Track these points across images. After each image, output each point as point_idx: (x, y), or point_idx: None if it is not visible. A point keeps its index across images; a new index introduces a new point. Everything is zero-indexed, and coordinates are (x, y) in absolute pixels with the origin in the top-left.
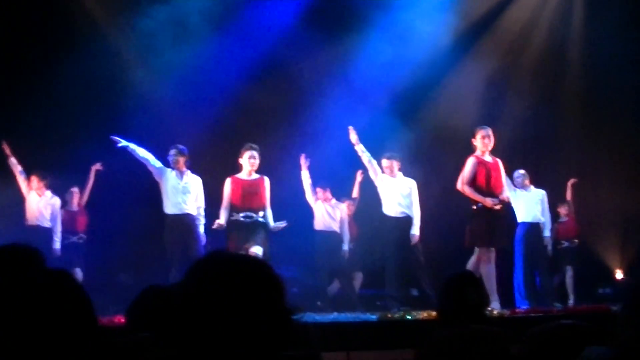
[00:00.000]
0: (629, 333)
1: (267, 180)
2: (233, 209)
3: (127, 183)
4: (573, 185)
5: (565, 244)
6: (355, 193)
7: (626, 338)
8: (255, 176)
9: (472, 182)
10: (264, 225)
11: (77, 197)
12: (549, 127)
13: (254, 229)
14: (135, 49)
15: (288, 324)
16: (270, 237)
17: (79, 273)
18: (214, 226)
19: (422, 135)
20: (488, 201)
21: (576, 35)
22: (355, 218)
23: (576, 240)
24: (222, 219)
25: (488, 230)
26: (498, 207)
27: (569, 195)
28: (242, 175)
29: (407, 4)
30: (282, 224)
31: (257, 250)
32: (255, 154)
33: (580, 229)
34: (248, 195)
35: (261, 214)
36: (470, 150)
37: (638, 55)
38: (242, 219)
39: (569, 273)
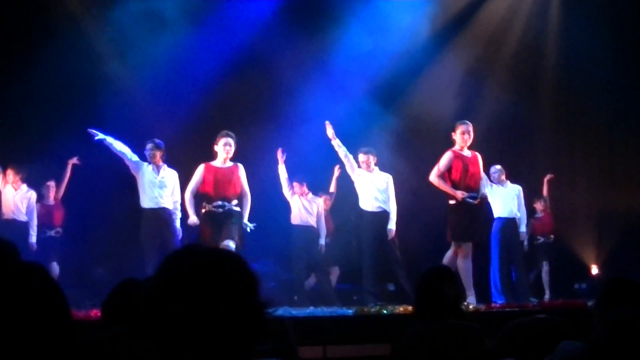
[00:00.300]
0: (602, 328)
1: (241, 168)
2: (205, 198)
3: (104, 177)
4: (549, 181)
5: (541, 239)
6: (332, 188)
7: (599, 333)
8: (230, 164)
9: (448, 176)
10: (238, 215)
11: (54, 191)
12: (525, 122)
13: (227, 219)
14: (112, 42)
15: (262, 317)
16: (247, 232)
17: (55, 267)
18: (189, 222)
19: (399, 130)
20: (458, 194)
21: (553, 31)
22: (332, 213)
23: (552, 236)
24: (192, 216)
25: (466, 225)
26: (476, 202)
27: (545, 191)
28: (217, 162)
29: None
30: (250, 226)
31: (229, 244)
32: (230, 141)
33: (556, 224)
34: (222, 184)
35: (235, 202)
36: (449, 144)
37: (614, 52)
38: (213, 208)
39: (545, 268)
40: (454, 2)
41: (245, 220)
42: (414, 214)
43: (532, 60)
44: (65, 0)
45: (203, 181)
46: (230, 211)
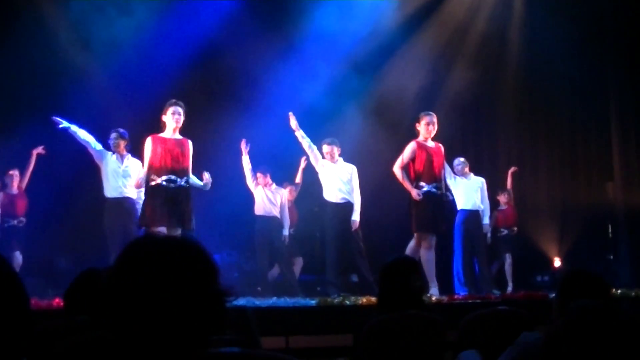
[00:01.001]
0: (562, 319)
1: (191, 143)
2: (154, 170)
3: (67, 166)
4: (513, 174)
5: (504, 231)
6: (298, 178)
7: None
8: (179, 136)
9: (412, 166)
10: (188, 193)
11: (17, 180)
12: (488, 114)
13: (177, 198)
14: (75, 30)
15: (221, 306)
16: (210, 222)
17: (18, 257)
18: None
19: (363, 120)
20: (413, 192)
21: (516, 24)
22: (297, 203)
23: (515, 229)
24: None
25: (429, 216)
26: (418, 198)
27: (509, 183)
28: (166, 134)
29: None
30: (207, 177)
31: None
32: (180, 110)
33: (520, 217)
34: (172, 156)
35: (185, 179)
36: (413, 134)
37: (576, 44)
38: (164, 183)
39: (508, 260)
40: None
41: (200, 182)
42: (378, 205)
43: (495, 52)
44: None
45: (152, 153)
46: (182, 189)
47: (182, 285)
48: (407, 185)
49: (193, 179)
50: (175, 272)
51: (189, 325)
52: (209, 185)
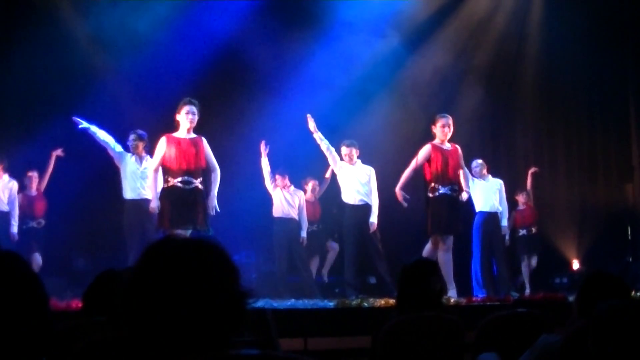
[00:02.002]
0: (581, 322)
1: (205, 141)
2: (169, 172)
3: (86, 167)
4: (533, 174)
5: (523, 232)
6: (328, 173)
7: (578, 327)
8: (193, 135)
9: (427, 169)
10: (203, 194)
11: (36, 182)
12: (506, 117)
13: (192, 199)
14: (93, 31)
15: (241, 307)
16: (228, 223)
17: (37, 258)
18: (150, 207)
19: (383, 124)
20: (399, 195)
21: (534, 27)
22: (320, 200)
23: (533, 229)
24: (155, 200)
25: (445, 218)
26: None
27: (529, 184)
28: (180, 133)
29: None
30: (216, 208)
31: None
32: (194, 109)
33: (539, 217)
34: (186, 156)
35: (200, 179)
36: (430, 138)
37: (595, 48)
38: (180, 184)
39: (525, 262)
40: (433, 2)
41: (214, 198)
42: (396, 207)
43: (513, 55)
44: None
45: (166, 154)
46: (197, 190)
47: (204, 287)
48: (402, 180)
49: (213, 180)
50: (196, 274)
51: (210, 327)
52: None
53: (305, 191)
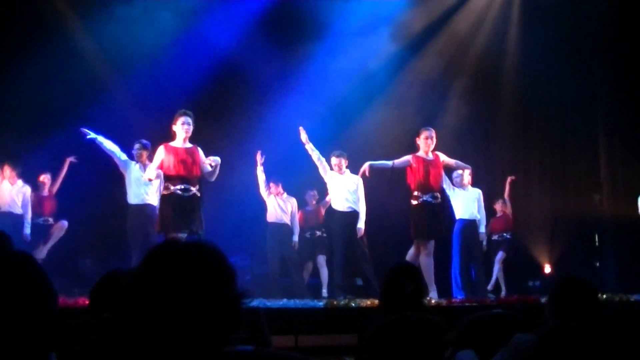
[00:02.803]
0: (553, 322)
1: (200, 150)
2: (168, 179)
3: (94, 174)
4: (511, 183)
5: (496, 236)
6: (328, 198)
7: (550, 327)
8: (189, 145)
9: (409, 177)
10: (199, 201)
11: (48, 184)
12: (485, 131)
13: (190, 206)
14: (100, 44)
15: (238, 308)
16: (224, 227)
17: (42, 252)
18: (143, 177)
19: (370, 136)
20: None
21: (512, 46)
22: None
23: (505, 234)
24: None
25: (427, 224)
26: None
27: (507, 192)
28: (176, 143)
29: (358, 12)
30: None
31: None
32: (189, 120)
33: (514, 225)
34: (184, 165)
35: (197, 187)
36: (414, 149)
37: (568, 66)
38: (179, 191)
39: (500, 265)
40: (421, 17)
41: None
42: (382, 214)
43: (492, 72)
44: (57, 4)
45: (164, 162)
46: (195, 197)
47: (203, 288)
48: (376, 163)
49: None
50: (196, 276)
51: (208, 326)
52: (216, 170)
53: (306, 202)
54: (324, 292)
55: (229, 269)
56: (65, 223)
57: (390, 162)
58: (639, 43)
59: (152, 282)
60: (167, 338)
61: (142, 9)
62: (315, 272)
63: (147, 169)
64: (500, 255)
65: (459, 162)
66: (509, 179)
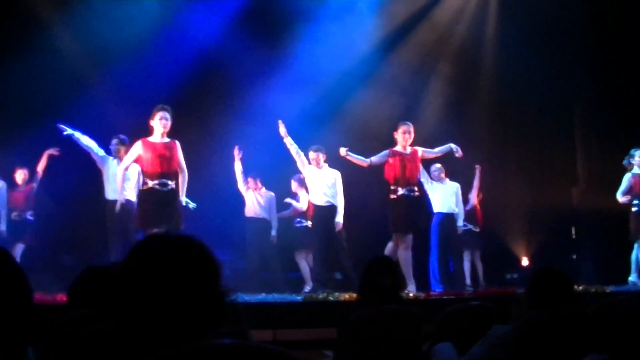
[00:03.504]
0: (529, 314)
1: (178, 144)
2: (147, 175)
3: (72, 170)
4: (480, 171)
5: (470, 227)
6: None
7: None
8: (167, 139)
9: (387, 172)
10: (177, 195)
11: (25, 178)
12: (463, 125)
13: (169, 200)
14: (78, 40)
15: (222, 303)
16: (204, 222)
17: (19, 247)
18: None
19: (348, 130)
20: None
21: (489, 39)
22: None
23: (477, 229)
24: (120, 194)
25: (405, 217)
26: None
27: (476, 181)
28: (154, 138)
29: (336, 10)
30: (191, 204)
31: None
32: (167, 115)
33: (491, 219)
34: (162, 160)
35: (174, 182)
36: (392, 143)
37: (545, 59)
38: (157, 186)
39: (469, 257)
40: (400, 12)
41: (183, 197)
42: (361, 208)
43: (470, 66)
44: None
45: (142, 158)
46: (173, 192)
47: (190, 282)
48: (353, 156)
49: (183, 184)
50: (184, 270)
51: (193, 320)
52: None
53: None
54: (307, 288)
55: (215, 263)
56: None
57: (368, 160)
58: (616, 37)
59: (138, 277)
60: (152, 332)
61: (121, 4)
62: (294, 267)
63: (122, 161)
64: (471, 252)
65: (441, 148)
66: (477, 168)
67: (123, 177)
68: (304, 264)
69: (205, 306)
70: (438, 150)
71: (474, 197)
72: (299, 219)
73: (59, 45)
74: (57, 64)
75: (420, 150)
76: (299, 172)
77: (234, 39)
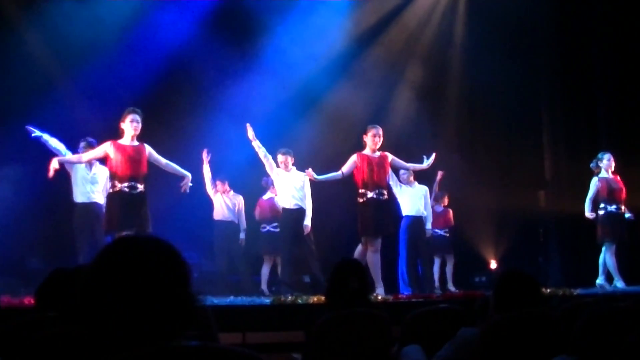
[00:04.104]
0: (496, 316)
1: (147, 147)
2: (115, 177)
3: (39, 172)
4: (440, 179)
5: (439, 232)
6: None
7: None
8: (137, 142)
9: (356, 175)
10: (145, 198)
11: None
12: (432, 128)
13: (137, 203)
14: (45, 41)
15: (191, 306)
16: (172, 225)
17: None
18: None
19: (317, 133)
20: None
21: (458, 43)
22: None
23: (446, 232)
24: (54, 161)
25: (374, 220)
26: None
27: (436, 186)
28: (125, 141)
29: (307, 9)
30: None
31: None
32: (138, 117)
33: (459, 222)
34: (132, 162)
35: (143, 185)
36: (361, 146)
37: (511, 64)
38: (126, 189)
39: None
40: (371, 11)
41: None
42: (329, 211)
43: (437, 71)
44: (2, 2)
45: (111, 160)
46: (141, 195)
47: (158, 285)
48: (324, 176)
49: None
50: (152, 273)
51: (162, 322)
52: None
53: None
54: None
55: (184, 266)
56: None
57: (339, 173)
58: (583, 41)
59: (107, 279)
60: (120, 334)
61: (90, 4)
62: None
63: (89, 155)
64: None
65: (415, 165)
66: (439, 174)
67: (77, 160)
68: (266, 269)
69: (174, 309)
70: (410, 166)
71: (433, 202)
72: (263, 225)
73: (26, 45)
74: (25, 65)
75: (390, 157)
76: (268, 174)
77: (204, 38)
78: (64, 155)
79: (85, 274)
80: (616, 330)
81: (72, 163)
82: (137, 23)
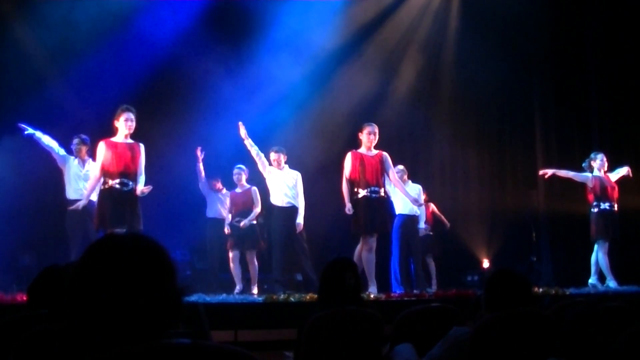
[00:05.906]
0: (487, 315)
1: (142, 146)
2: (107, 174)
3: (32, 169)
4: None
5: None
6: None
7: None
8: (130, 140)
9: (349, 175)
10: (137, 196)
11: None
12: (425, 127)
13: (129, 202)
14: (39, 38)
15: (178, 303)
16: (165, 222)
17: None
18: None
19: (309, 131)
20: (347, 206)
21: (451, 43)
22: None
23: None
24: (85, 200)
25: (367, 218)
26: (349, 212)
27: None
28: (117, 138)
29: (299, 9)
30: (147, 189)
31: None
32: (132, 116)
33: (452, 221)
34: (123, 159)
35: (134, 183)
36: (355, 143)
37: (504, 63)
38: (117, 186)
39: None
40: (363, 10)
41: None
42: (322, 209)
43: (432, 69)
44: None
45: (105, 157)
46: (133, 192)
47: (144, 282)
48: (346, 199)
49: (140, 181)
50: (137, 270)
51: (149, 319)
52: (143, 194)
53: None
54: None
55: (170, 263)
56: None
57: (344, 180)
58: (576, 40)
59: (93, 276)
60: (107, 331)
61: (83, 2)
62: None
63: (94, 167)
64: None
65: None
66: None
67: (96, 181)
68: (237, 264)
69: (160, 305)
70: (395, 181)
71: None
72: (237, 219)
73: (19, 43)
74: (18, 63)
75: (385, 157)
76: (260, 172)
77: (196, 37)
78: (57, 152)
79: (72, 271)
80: (605, 331)
81: (95, 185)
82: (130, 21)
